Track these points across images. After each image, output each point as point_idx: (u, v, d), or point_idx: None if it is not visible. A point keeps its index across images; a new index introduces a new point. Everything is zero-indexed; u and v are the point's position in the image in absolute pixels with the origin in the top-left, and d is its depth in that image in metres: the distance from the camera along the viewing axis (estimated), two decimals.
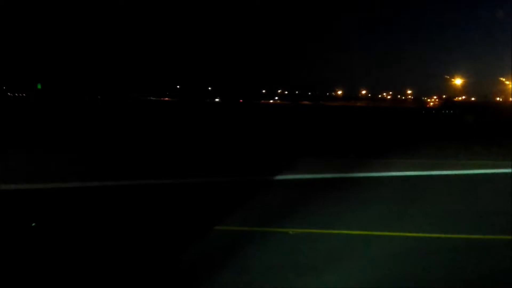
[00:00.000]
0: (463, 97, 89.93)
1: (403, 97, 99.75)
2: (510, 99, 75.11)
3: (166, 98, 78.53)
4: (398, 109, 58.75)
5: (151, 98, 75.35)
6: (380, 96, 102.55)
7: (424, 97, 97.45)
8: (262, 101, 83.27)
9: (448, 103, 70.62)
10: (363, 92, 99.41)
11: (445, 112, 46.52)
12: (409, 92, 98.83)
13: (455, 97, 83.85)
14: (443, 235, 6.29)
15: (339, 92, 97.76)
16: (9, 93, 72.26)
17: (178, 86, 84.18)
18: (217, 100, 79.08)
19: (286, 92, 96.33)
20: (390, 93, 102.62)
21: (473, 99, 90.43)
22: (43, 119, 26.09)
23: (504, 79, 75.47)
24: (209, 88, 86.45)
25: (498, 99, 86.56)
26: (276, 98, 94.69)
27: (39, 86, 58.92)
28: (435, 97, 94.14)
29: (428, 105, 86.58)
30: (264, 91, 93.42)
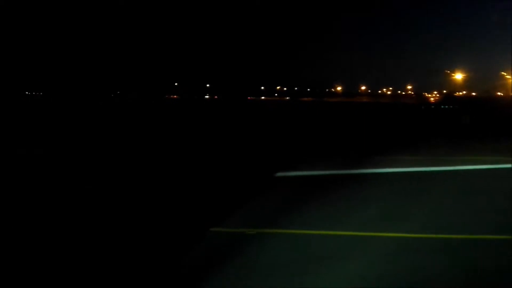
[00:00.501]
0: (464, 92, 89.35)
1: (404, 93, 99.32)
2: (511, 93, 74.48)
3: (175, 96, 78.27)
4: (397, 104, 58.63)
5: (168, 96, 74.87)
6: (380, 92, 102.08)
7: (425, 92, 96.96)
8: (262, 97, 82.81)
9: (448, 98, 70.14)
10: (363, 88, 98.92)
11: (444, 107, 46.17)
12: (409, 87, 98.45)
13: (455, 92, 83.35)
14: (444, 236, 6.05)
15: (339, 88, 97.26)
16: (27, 92, 71.97)
17: (176, 84, 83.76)
18: (206, 97, 78.60)
19: (285, 89, 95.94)
20: (390, 89, 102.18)
21: (474, 94, 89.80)
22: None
23: (505, 74, 74.91)
24: (207, 85, 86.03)
25: (499, 93, 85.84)
26: (276, 94, 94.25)
27: None
28: (435, 92, 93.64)
29: (429, 101, 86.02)
30: (263, 87, 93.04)
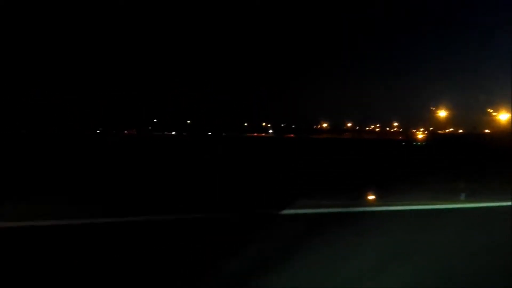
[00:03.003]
0: (451, 129, 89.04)
1: (391, 129, 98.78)
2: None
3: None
4: (370, 141, 57.50)
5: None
6: (367, 128, 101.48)
7: (412, 129, 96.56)
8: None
9: (432, 135, 69.63)
10: (349, 124, 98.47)
11: (416, 144, 45.19)
12: (395, 124, 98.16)
13: (440, 129, 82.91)
14: None
15: (325, 125, 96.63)
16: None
17: (155, 120, 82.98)
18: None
19: (269, 125, 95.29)
20: (378, 125, 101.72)
21: (460, 131, 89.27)
22: None
23: (491, 110, 74.49)
24: (188, 122, 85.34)
25: (486, 130, 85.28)
26: (270, 131, 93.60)
27: None
28: (422, 129, 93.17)
29: (414, 137, 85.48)
30: (246, 124, 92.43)
